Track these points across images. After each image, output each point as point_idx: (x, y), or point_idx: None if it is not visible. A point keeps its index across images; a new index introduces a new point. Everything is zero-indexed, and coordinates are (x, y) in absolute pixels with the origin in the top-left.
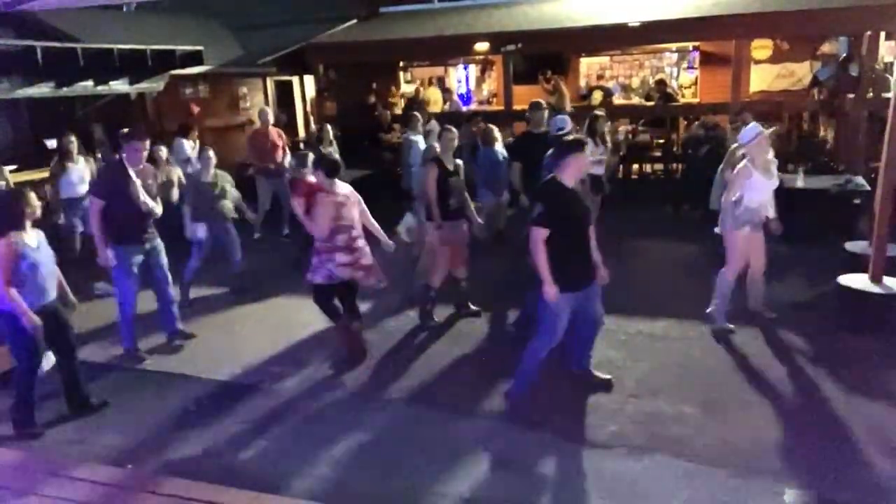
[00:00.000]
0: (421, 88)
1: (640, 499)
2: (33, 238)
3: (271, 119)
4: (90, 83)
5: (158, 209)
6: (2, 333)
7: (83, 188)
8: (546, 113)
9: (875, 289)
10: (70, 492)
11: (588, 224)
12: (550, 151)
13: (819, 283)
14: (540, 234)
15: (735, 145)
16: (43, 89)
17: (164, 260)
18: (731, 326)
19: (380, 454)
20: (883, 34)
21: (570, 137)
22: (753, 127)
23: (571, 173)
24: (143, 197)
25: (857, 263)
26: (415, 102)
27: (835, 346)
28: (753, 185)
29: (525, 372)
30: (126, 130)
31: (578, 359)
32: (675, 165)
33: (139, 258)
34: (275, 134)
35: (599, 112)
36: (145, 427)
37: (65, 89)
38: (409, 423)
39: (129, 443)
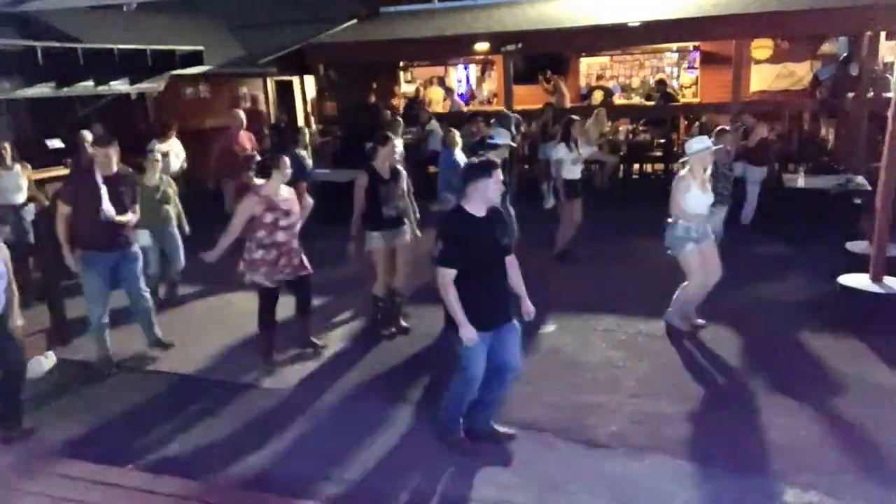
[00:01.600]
0: (421, 88)
1: (640, 499)
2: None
3: (244, 123)
4: (90, 83)
5: (126, 218)
6: None
7: (20, 196)
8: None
9: (875, 288)
10: (70, 492)
11: (503, 255)
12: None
13: (819, 282)
14: (447, 275)
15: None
16: (43, 89)
17: (138, 267)
18: (695, 323)
19: (379, 454)
20: (883, 34)
21: (481, 159)
22: (702, 139)
23: (478, 201)
24: (106, 205)
25: (857, 263)
26: (415, 102)
27: (835, 345)
28: (691, 199)
29: (451, 412)
30: (98, 136)
31: (480, 414)
32: (675, 165)
33: (108, 265)
34: (245, 138)
35: (575, 116)
36: (145, 427)
37: (65, 89)
38: (408, 422)
39: (129, 443)
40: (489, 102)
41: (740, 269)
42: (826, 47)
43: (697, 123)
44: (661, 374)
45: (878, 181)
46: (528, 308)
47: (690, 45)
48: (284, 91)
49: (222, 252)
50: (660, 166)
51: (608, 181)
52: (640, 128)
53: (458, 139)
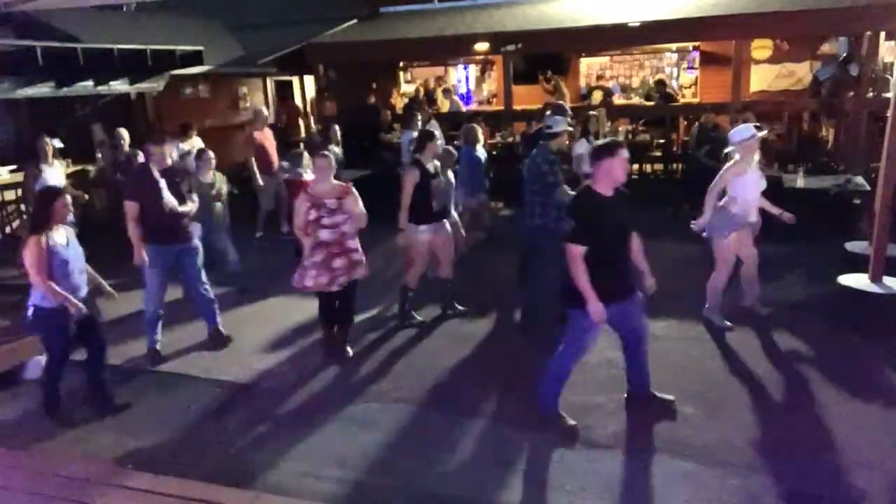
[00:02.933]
0: (421, 88)
1: (640, 499)
2: (62, 236)
3: (268, 119)
4: (90, 83)
5: (188, 207)
6: (34, 327)
7: None
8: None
9: (875, 288)
10: (70, 491)
11: (628, 233)
12: (534, 153)
13: (819, 282)
14: (577, 252)
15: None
16: (43, 89)
17: (198, 261)
18: (730, 324)
19: (380, 454)
20: (883, 34)
21: (604, 140)
22: (747, 127)
23: (606, 180)
24: (168, 197)
25: (857, 263)
26: (415, 102)
27: (835, 345)
28: (747, 183)
29: (551, 385)
30: (150, 134)
31: (635, 381)
32: (675, 165)
33: (171, 257)
34: (271, 135)
35: (593, 112)
36: (145, 427)
37: (65, 89)
38: (409, 423)
39: (129, 442)
40: (489, 102)
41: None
42: (826, 47)
43: (697, 123)
44: (661, 374)
45: (877, 181)
46: (651, 282)
47: (690, 45)
48: (284, 91)
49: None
50: (659, 166)
51: None
52: (640, 128)
53: (480, 136)
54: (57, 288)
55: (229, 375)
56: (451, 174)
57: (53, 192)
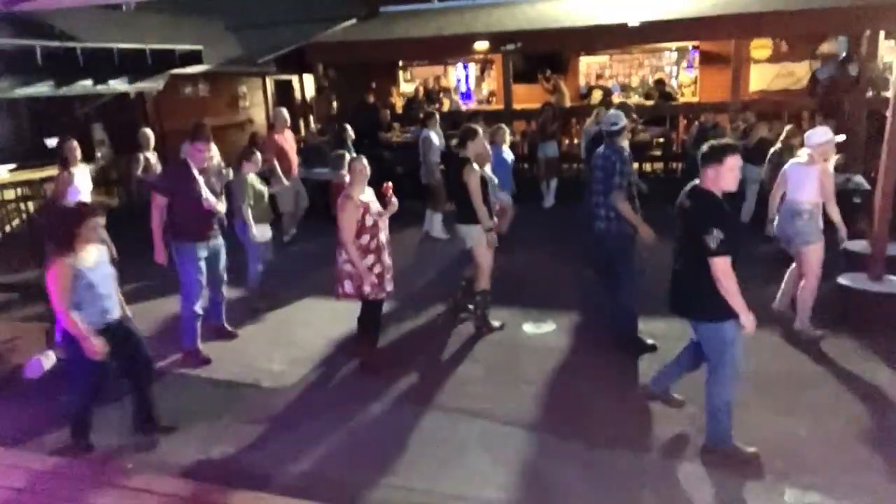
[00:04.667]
0: (420, 88)
1: (639, 499)
2: (91, 256)
3: (287, 121)
4: (90, 83)
5: (222, 207)
6: (65, 353)
7: (87, 195)
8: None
9: (875, 287)
10: (70, 491)
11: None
12: (602, 150)
13: (819, 282)
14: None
15: (774, 150)
16: (43, 89)
17: (224, 259)
18: (820, 333)
19: (380, 454)
20: (882, 34)
21: (719, 142)
22: (826, 131)
23: (714, 185)
24: (207, 195)
25: (856, 262)
26: (414, 101)
27: (835, 344)
28: (830, 188)
29: (724, 419)
30: (191, 129)
31: (667, 380)
32: (674, 165)
33: (204, 254)
34: (290, 136)
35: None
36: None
37: (64, 89)
38: (409, 423)
39: (129, 442)
40: (488, 102)
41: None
42: (825, 47)
43: (696, 123)
44: None
45: (877, 180)
46: None
47: (690, 44)
48: (284, 90)
49: (364, 267)
50: (659, 165)
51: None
52: (639, 127)
53: (507, 136)
54: (78, 322)
55: (230, 375)
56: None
57: (83, 213)
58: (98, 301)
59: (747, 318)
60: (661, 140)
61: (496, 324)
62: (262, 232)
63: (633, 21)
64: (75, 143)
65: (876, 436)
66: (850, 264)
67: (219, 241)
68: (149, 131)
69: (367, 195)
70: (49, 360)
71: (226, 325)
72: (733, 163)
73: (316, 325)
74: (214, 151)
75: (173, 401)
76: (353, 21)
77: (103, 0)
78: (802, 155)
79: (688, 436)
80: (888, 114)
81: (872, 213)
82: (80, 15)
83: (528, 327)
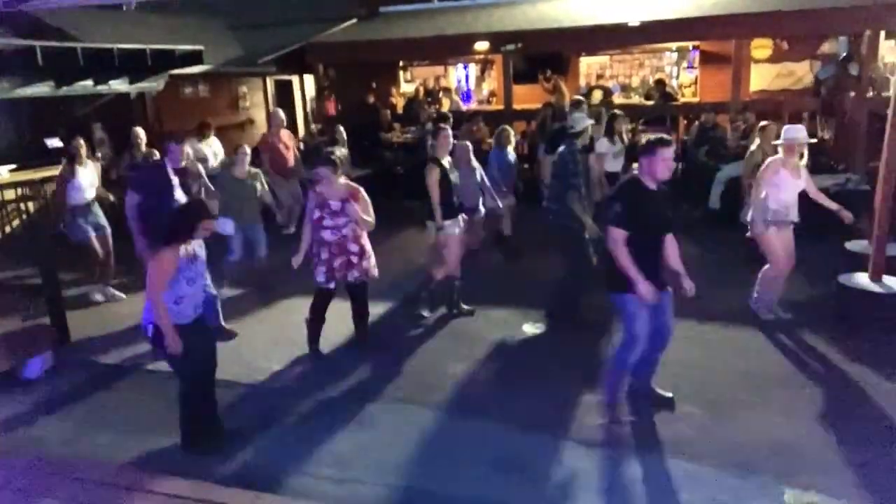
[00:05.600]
0: (421, 88)
1: (639, 499)
2: (193, 251)
3: (284, 122)
4: (90, 83)
5: None
6: (158, 349)
7: (91, 193)
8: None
9: (875, 288)
10: (70, 491)
11: (664, 230)
12: (563, 147)
13: (819, 282)
14: (619, 235)
15: (753, 148)
16: (43, 89)
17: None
18: (773, 316)
19: (380, 454)
20: (883, 34)
21: (654, 137)
22: (800, 129)
23: (648, 174)
24: (179, 196)
25: (857, 262)
26: (414, 101)
27: (835, 345)
28: (780, 182)
29: (613, 383)
30: (169, 131)
31: (643, 375)
32: (674, 165)
33: None
34: (287, 136)
35: (618, 111)
36: (145, 426)
37: (65, 89)
38: (409, 422)
39: (129, 442)
40: (488, 102)
41: (739, 269)
42: (826, 47)
43: (697, 123)
44: (661, 373)
45: (877, 181)
46: (689, 284)
47: (690, 44)
48: (284, 91)
49: (305, 249)
50: None
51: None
52: (640, 127)
53: (512, 138)
54: (164, 315)
55: (230, 375)
56: (477, 173)
57: (201, 212)
58: (194, 295)
59: (641, 288)
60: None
61: (426, 313)
62: (222, 225)
63: (634, 21)
64: (82, 142)
65: (876, 436)
66: (850, 264)
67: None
68: (140, 130)
69: (332, 193)
70: (49, 360)
71: (223, 324)
72: (665, 154)
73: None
74: (218, 148)
75: (172, 400)
76: (354, 21)
77: (103, 0)
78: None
79: (688, 436)
80: (888, 114)
81: (872, 214)
82: (81, 15)
83: (528, 327)
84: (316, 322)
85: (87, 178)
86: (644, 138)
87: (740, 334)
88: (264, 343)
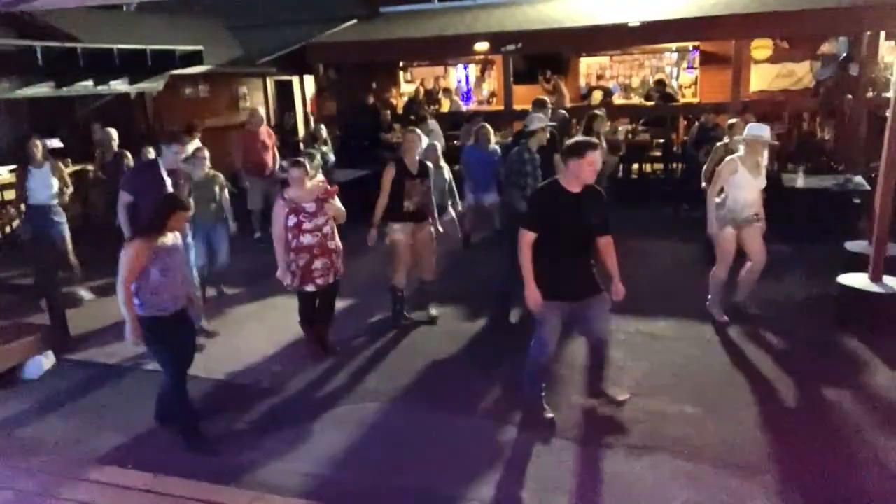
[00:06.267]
0: (421, 88)
1: (640, 499)
2: (169, 241)
3: (263, 120)
4: (90, 83)
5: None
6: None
7: (48, 193)
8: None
9: (875, 288)
10: (70, 491)
11: (588, 233)
12: (516, 148)
13: (819, 282)
14: (526, 237)
15: (719, 143)
16: (43, 89)
17: (190, 257)
18: (727, 319)
19: (379, 454)
20: (883, 34)
21: (577, 139)
22: (762, 127)
23: (571, 177)
24: None
25: (857, 263)
26: (414, 102)
27: (835, 345)
28: (738, 181)
29: (529, 377)
30: (168, 131)
31: (590, 378)
32: (674, 165)
33: None
34: (265, 134)
35: (598, 111)
36: (145, 427)
37: (65, 89)
38: (408, 423)
39: (129, 442)
40: (489, 102)
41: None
42: (826, 47)
43: (697, 123)
44: (661, 373)
45: (877, 181)
46: (619, 289)
47: (690, 45)
48: (284, 91)
49: (285, 263)
50: (659, 166)
51: (606, 181)
52: (640, 128)
53: (493, 136)
54: (128, 302)
55: (226, 375)
56: (445, 173)
57: (175, 205)
58: (172, 287)
59: (527, 292)
60: (662, 140)
61: (408, 320)
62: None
63: (634, 21)
64: (36, 142)
65: (875, 436)
66: (850, 265)
67: (186, 241)
68: (112, 131)
69: (304, 196)
70: (48, 360)
71: (203, 325)
72: (592, 157)
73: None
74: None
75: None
76: (354, 21)
77: (104, 0)
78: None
79: (688, 436)
80: (888, 114)
81: (872, 214)
82: (81, 15)
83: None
84: (311, 324)
85: (42, 178)
86: (576, 140)
87: (739, 334)
88: (265, 344)
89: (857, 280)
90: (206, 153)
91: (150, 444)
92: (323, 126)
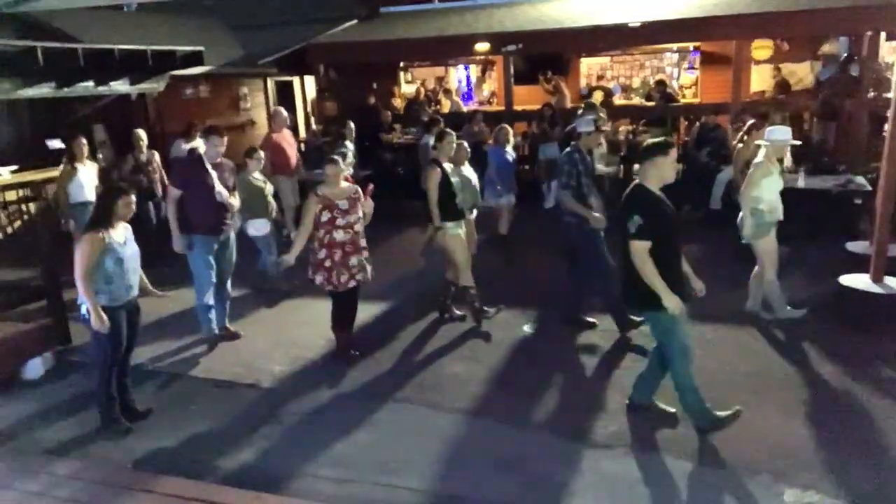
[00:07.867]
0: (422, 89)
1: (640, 499)
2: (121, 234)
3: (287, 120)
4: (90, 83)
5: (235, 202)
6: (87, 325)
7: (91, 192)
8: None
9: (876, 289)
10: (71, 492)
11: (681, 231)
12: (566, 151)
13: (820, 282)
14: (644, 247)
15: (740, 146)
16: (43, 89)
17: (234, 253)
18: (805, 309)
19: (379, 454)
20: (883, 34)
21: (657, 139)
22: (786, 130)
23: (655, 178)
24: (220, 188)
25: (857, 263)
26: (415, 102)
27: (835, 345)
28: (771, 184)
29: (690, 398)
30: (207, 126)
31: (645, 387)
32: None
33: (214, 247)
34: (289, 135)
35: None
36: (145, 426)
37: (65, 89)
38: (408, 422)
39: (129, 442)
40: (489, 103)
41: (740, 269)
42: (826, 47)
43: (697, 123)
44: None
45: (878, 181)
46: (700, 285)
47: (690, 45)
48: (284, 91)
49: (299, 252)
50: None
51: (606, 182)
52: (641, 128)
53: (511, 137)
54: (89, 291)
55: (230, 376)
56: (470, 172)
57: (118, 191)
58: (125, 276)
59: (668, 301)
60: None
61: (490, 311)
62: (255, 227)
63: (634, 22)
64: (84, 140)
65: (876, 436)
66: (851, 265)
67: (230, 236)
68: (141, 132)
69: (338, 193)
70: (49, 360)
71: (228, 325)
72: (674, 155)
73: (316, 325)
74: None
75: (172, 400)
76: (354, 22)
77: (104, 0)
78: (760, 154)
79: (688, 436)
80: (889, 114)
81: (873, 214)
82: (81, 15)
83: (528, 327)
84: (343, 329)
85: (88, 175)
86: (649, 140)
87: (740, 335)
88: (265, 344)
89: (858, 281)
90: (262, 154)
91: (150, 444)
92: (351, 122)
